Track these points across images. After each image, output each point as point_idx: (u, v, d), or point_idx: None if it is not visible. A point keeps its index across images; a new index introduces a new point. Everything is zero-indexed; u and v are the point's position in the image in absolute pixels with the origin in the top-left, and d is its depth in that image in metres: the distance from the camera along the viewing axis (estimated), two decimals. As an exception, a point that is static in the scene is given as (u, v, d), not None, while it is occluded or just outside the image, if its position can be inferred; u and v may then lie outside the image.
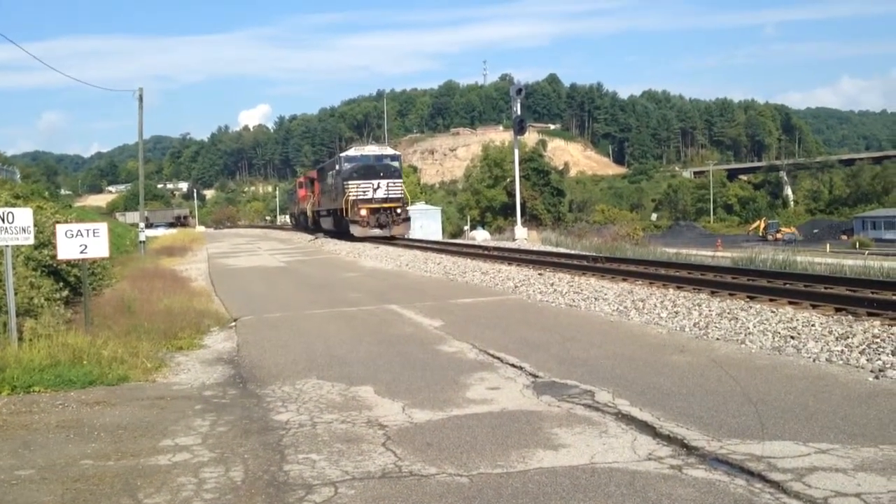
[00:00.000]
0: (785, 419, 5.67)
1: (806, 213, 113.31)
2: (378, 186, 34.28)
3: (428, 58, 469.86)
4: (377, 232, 33.51)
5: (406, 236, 35.40)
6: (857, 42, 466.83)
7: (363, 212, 33.53)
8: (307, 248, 34.88)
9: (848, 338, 8.23)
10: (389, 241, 32.23)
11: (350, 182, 34.34)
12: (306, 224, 54.87)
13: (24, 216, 9.30)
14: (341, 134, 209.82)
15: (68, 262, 11.15)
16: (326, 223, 43.23)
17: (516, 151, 36.22)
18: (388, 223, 33.82)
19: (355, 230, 33.47)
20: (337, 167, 36.93)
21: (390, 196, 34.44)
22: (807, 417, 5.69)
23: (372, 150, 37.16)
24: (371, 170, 34.81)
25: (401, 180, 36.21)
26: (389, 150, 38.90)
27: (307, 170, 76.48)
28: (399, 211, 34.40)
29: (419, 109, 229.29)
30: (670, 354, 8.19)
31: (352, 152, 36.86)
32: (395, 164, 36.73)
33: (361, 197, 34.00)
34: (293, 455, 5.32)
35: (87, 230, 9.67)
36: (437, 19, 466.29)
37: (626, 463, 4.93)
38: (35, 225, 9.85)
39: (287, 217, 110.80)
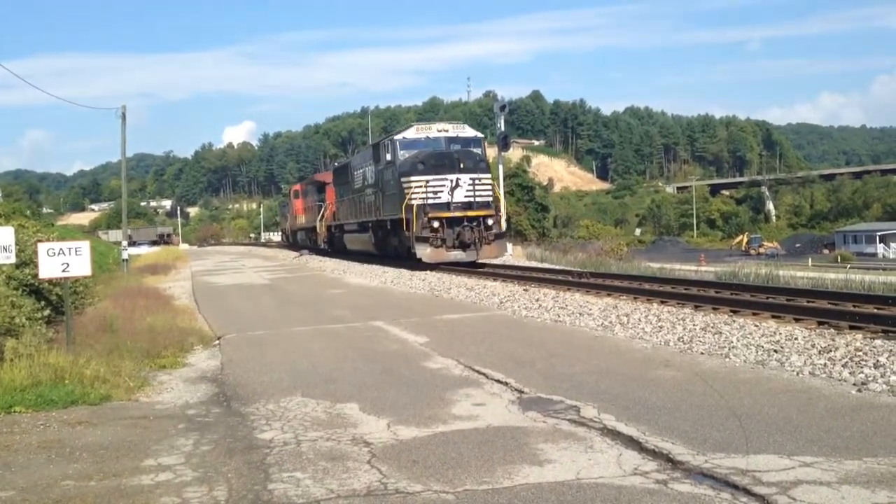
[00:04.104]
0: (769, 432, 5.69)
1: (788, 227, 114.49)
2: (457, 185, 22.76)
3: (412, 74, 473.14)
4: (458, 255, 22.66)
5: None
6: (835, 58, 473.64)
7: (436, 224, 22.54)
8: (292, 266, 34.73)
9: (830, 351, 8.28)
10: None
11: (413, 178, 23.05)
12: (310, 243, 44.97)
13: (5, 235, 9.25)
14: (326, 151, 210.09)
15: (50, 281, 11.05)
16: (355, 243, 32.10)
17: (500, 167, 36.34)
18: (475, 241, 22.66)
19: (423, 252, 22.55)
20: (387, 157, 25.25)
21: (477, 199, 23.04)
22: (791, 431, 5.72)
23: (442, 129, 25.20)
24: (445, 159, 23.37)
25: (489, 176, 24.32)
26: (468, 130, 25.88)
27: (291, 186, 67.95)
28: (490, 222, 23.08)
29: (404, 126, 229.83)
30: (655, 369, 8.21)
31: (411, 133, 25.18)
32: (479, 150, 24.97)
33: (432, 201, 22.80)
34: (277, 474, 5.28)
35: (69, 249, 9.59)
36: (421, 36, 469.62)
37: (611, 478, 4.93)
38: (16, 244, 9.79)
39: (273, 234, 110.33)
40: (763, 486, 4.62)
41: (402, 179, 23.53)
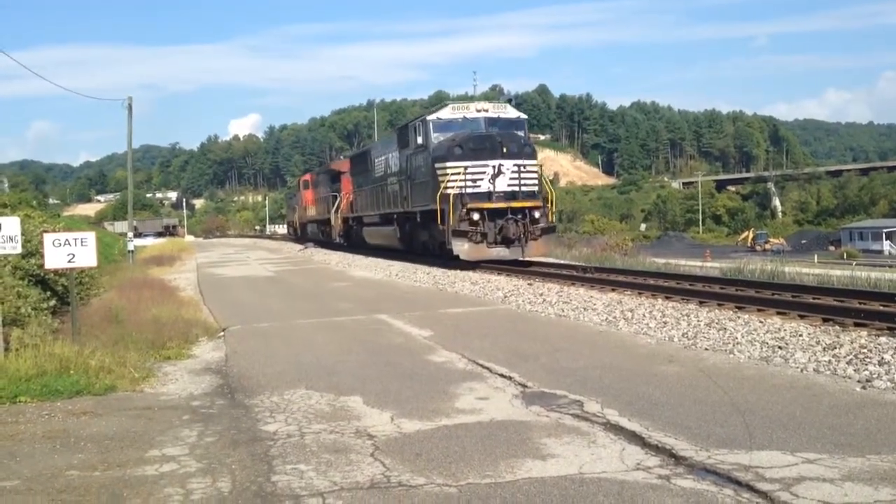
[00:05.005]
0: (773, 429, 5.69)
1: (794, 223, 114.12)
2: (499, 171, 20.08)
3: (417, 68, 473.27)
4: (501, 252, 20.04)
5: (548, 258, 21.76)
6: (843, 54, 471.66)
7: (476, 216, 19.86)
8: (296, 258, 34.77)
9: (835, 348, 8.26)
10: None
11: (449, 164, 20.44)
12: (322, 236, 42.73)
13: (11, 225, 9.26)
14: (331, 143, 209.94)
15: (56, 272, 11.09)
16: (377, 237, 29.86)
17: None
18: (520, 236, 19.94)
19: (461, 248, 19.92)
20: (418, 140, 22.58)
21: (523, 189, 20.38)
22: (794, 427, 5.71)
23: (481, 108, 22.31)
24: (486, 143, 20.60)
25: (535, 162, 21.50)
26: (511, 110, 22.80)
27: (300, 176, 63.33)
28: (537, 215, 20.37)
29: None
30: (659, 364, 8.20)
31: (446, 113, 22.31)
32: (522, 133, 22.27)
33: (471, 190, 20.18)
34: (281, 466, 5.30)
35: (75, 239, 9.62)
36: (427, 30, 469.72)
37: (614, 473, 4.93)
38: (23, 234, 9.81)
39: (278, 227, 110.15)
40: (766, 482, 4.62)
41: (437, 165, 20.93)
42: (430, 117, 22.45)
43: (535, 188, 20.88)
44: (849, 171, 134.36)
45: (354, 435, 6.00)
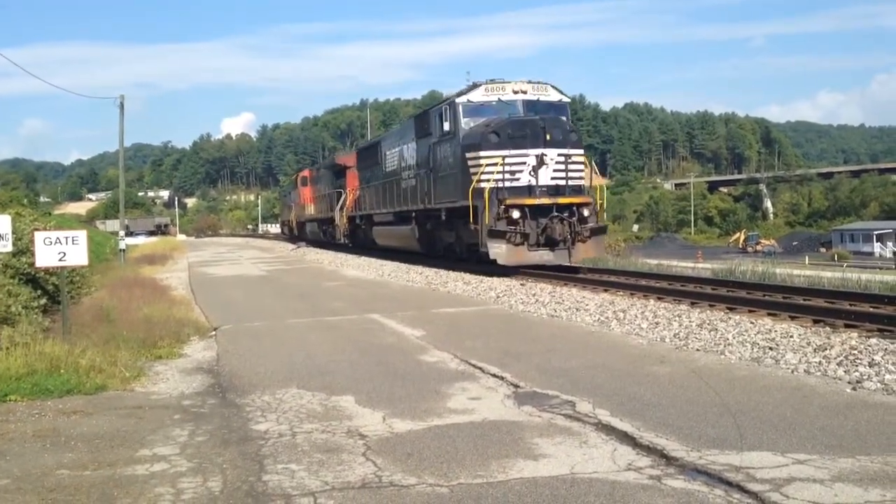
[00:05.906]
0: (763, 430, 5.70)
1: (785, 225, 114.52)
2: (542, 162, 17.63)
3: (415, 68, 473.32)
4: (544, 256, 17.69)
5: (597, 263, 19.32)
6: (835, 56, 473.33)
7: (515, 213, 17.43)
8: (289, 258, 34.72)
9: (826, 349, 8.29)
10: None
11: (483, 154, 17.94)
12: (324, 236, 40.39)
13: (1, 223, 9.23)
14: (324, 143, 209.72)
15: (47, 270, 11.04)
16: (390, 238, 27.26)
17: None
18: (566, 238, 17.57)
19: (498, 251, 17.29)
20: (444, 127, 20.09)
21: (570, 183, 17.99)
22: (785, 428, 5.73)
23: (519, 89, 19.43)
24: (526, 129, 18.04)
25: (582, 152, 19.06)
26: (552, 92, 19.95)
27: (298, 172, 58.40)
28: (586, 213, 18.05)
29: (403, 119, 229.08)
30: (650, 365, 8.22)
31: (477, 95, 19.45)
32: (565, 119, 19.72)
33: (509, 184, 17.75)
34: (272, 465, 5.28)
35: (66, 238, 9.58)
36: (422, 30, 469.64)
37: (605, 473, 4.94)
38: (13, 232, 9.79)
39: (271, 226, 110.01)
40: (757, 482, 4.63)
41: (468, 155, 18.39)
42: (460, 100, 19.60)
43: (583, 182, 18.70)
44: (840, 173, 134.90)
45: (346, 435, 5.99)
